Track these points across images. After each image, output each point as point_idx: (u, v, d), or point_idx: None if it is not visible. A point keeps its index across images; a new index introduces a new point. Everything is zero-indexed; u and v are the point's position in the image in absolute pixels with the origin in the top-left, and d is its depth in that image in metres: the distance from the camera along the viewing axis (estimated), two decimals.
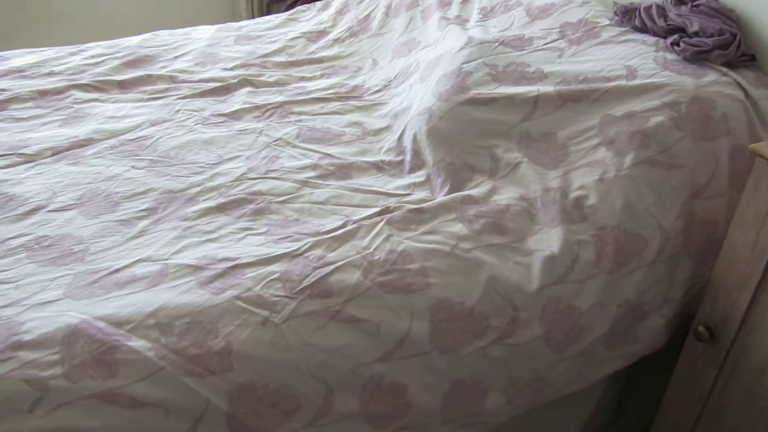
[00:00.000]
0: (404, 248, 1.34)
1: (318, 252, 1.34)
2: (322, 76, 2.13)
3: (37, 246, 1.38)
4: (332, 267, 1.29)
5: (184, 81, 2.10)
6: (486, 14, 2.06)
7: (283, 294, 1.24)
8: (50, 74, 2.11)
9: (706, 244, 1.46)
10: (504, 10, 2.04)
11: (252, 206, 1.50)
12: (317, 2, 2.63)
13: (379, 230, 1.39)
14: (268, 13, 3.60)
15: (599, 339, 1.43)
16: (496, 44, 1.80)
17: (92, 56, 2.23)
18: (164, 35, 2.40)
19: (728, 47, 1.57)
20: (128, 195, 1.54)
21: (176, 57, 2.25)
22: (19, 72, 2.12)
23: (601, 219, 1.41)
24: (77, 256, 1.36)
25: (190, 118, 1.88)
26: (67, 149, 1.73)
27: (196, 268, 1.30)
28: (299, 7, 2.61)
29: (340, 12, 2.47)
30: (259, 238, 1.40)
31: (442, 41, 1.98)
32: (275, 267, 1.29)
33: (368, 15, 2.39)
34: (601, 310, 1.40)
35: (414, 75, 1.95)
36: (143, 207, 1.50)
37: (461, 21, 2.06)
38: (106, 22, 3.46)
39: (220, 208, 1.50)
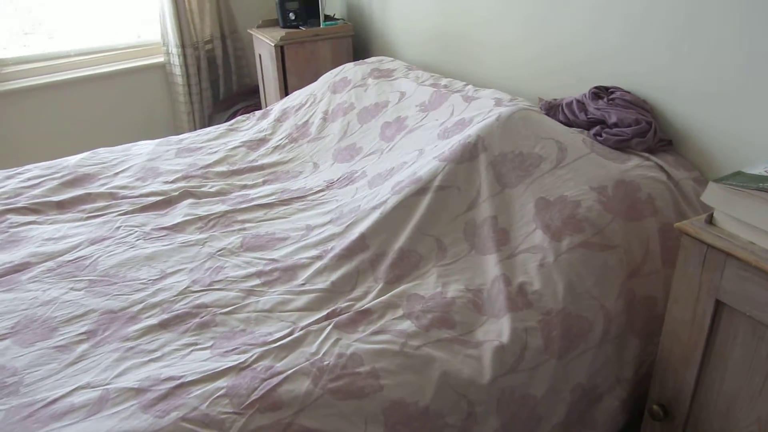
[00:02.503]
0: (353, 351, 1.32)
1: (266, 362, 1.31)
2: (264, 182, 2.16)
3: None
4: (281, 377, 1.26)
5: (124, 197, 2.09)
6: (425, 109, 2.14)
7: (231, 410, 1.20)
8: None
9: (649, 321, 1.49)
10: (440, 102, 2.13)
11: (196, 320, 1.47)
12: (257, 112, 2.69)
13: (327, 334, 1.37)
14: (209, 125, 3.67)
15: (558, 427, 1.41)
16: (440, 140, 1.88)
17: (29, 178, 2.21)
18: (103, 153, 2.41)
19: (646, 134, 1.67)
20: (66, 319, 1.49)
21: (116, 174, 2.26)
22: None
23: (545, 304, 1.43)
24: (10, 390, 1.29)
25: (130, 234, 1.86)
26: (1, 276, 1.68)
27: (139, 391, 1.25)
28: (239, 117, 2.67)
29: (279, 120, 2.54)
30: (205, 353, 1.36)
31: (389, 153, 2.05)
32: (222, 382, 1.26)
33: (307, 121, 2.46)
34: (555, 396, 1.39)
35: (360, 181, 1.99)
36: (82, 330, 1.45)
37: (401, 121, 2.14)
38: (49, 143, 3.46)
39: (163, 325, 1.46)
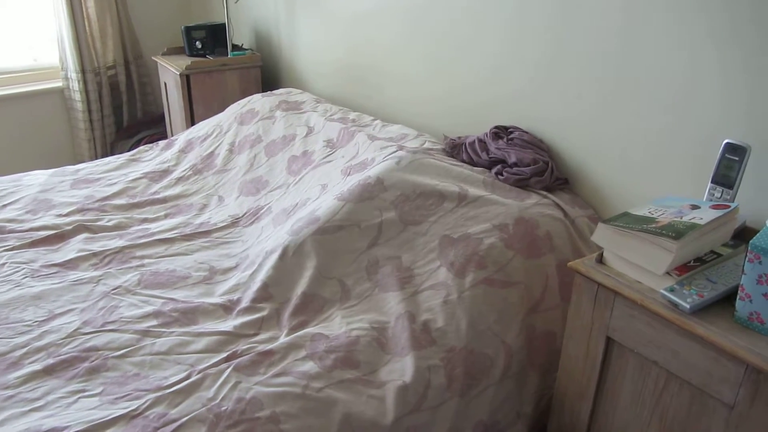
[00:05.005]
0: (253, 395, 1.28)
1: (159, 409, 1.24)
2: (166, 216, 2.08)
3: None
4: (175, 425, 1.20)
5: (12, 231, 1.96)
6: (332, 146, 2.14)
7: None
8: None
9: (547, 355, 1.53)
10: (348, 139, 2.13)
11: (85, 365, 1.39)
12: (160, 142, 2.61)
13: (226, 377, 1.33)
14: (112, 153, 3.53)
15: None
16: (341, 174, 1.87)
17: None
18: None
19: (543, 174, 1.73)
20: None
21: (4, 206, 2.12)
22: None
23: (449, 341, 1.44)
24: None
25: (17, 271, 1.74)
26: None
27: None
28: (142, 147, 2.58)
29: (184, 150, 2.47)
30: (93, 400, 1.28)
31: (294, 187, 2.02)
32: None
33: (212, 152, 2.40)
34: None
35: (265, 218, 1.96)
36: None
37: (307, 155, 2.13)
38: None
39: (48, 371, 1.37)
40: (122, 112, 3.61)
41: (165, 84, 3.12)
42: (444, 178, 1.78)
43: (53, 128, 3.55)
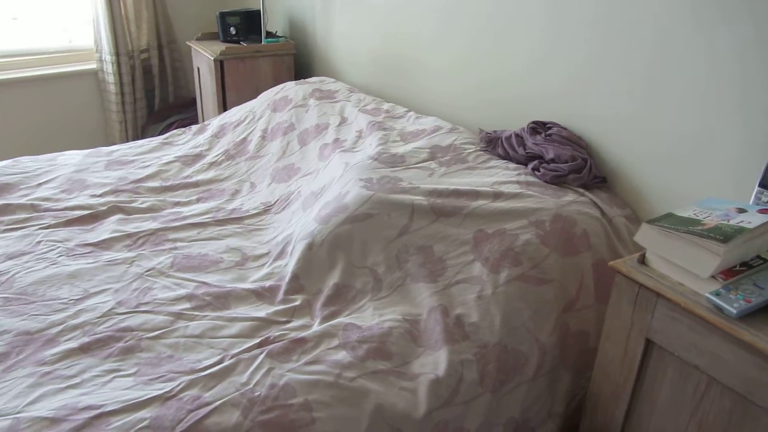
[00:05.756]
0: (286, 381, 1.28)
1: (193, 392, 1.25)
2: (198, 200, 2.09)
3: None
4: (208, 408, 1.20)
5: (47, 210, 1.98)
6: (364, 136, 2.13)
7: None
8: None
9: (581, 355, 1.52)
10: (378, 129, 2.12)
11: (120, 344, 1.40)
12: (193, 126, 2.62)
13: (259, 363, 1.33)
14: (143, 136, 3.55)
15: None
16: (371, 161, 1.86)
17: None
18: (26, 161, 2.28)
19: (582, 171, 1.71)
20: None
21: (39, 184, 2.14)
22: None
23: (482, 337, 1.43)
24: None
25: (52, 249, 1.76)
26: None
27: (54, 421, 1.17)
28: (175, 131, 2.59)
29: (217, 135, 2.48)
30: (128, 380, 1.29)
31: (324, 171, 2.02)
32: (145, 413, 1.19)
33: (245, 138, 2.41)
34: (488, 430, 1.39)
35: (295, 203, 1.96)
36: None
37: (339, 143, 2.12)
38: None
39: (84, 349, 1.38)
40: (154, 96, 3.63)
41: (198, 69, 3.13)
42: (477, 182, 1.76)
43: (86, 110, 3.58)
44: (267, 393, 1.25)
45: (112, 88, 3.45)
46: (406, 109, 2.30)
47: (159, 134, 3.43)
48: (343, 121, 2.28)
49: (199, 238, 1.85)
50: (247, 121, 2.49)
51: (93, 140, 3.58)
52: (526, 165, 1.83)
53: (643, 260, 1.25)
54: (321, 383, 1.29)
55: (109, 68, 3.42)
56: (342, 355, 1.36)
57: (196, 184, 2.19)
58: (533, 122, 1.89)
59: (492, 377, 1.39)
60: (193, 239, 1.84)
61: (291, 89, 2.56)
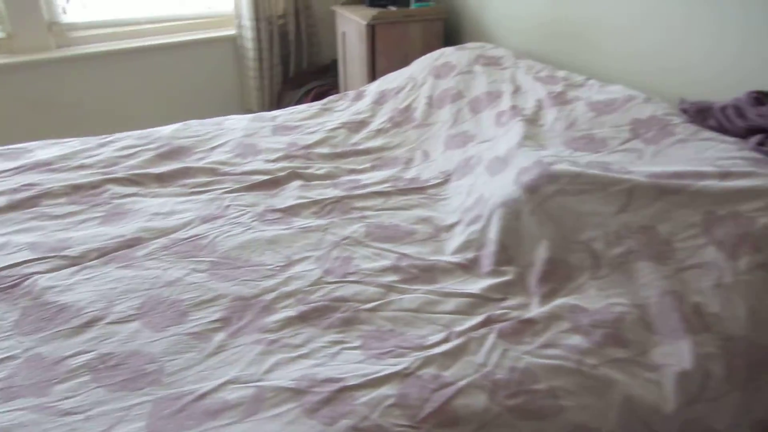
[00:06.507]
0: (526, 365, 1.20)
1: (430, 370, 1.19)
2: (373, 168, 2.04)
3: (102, 366, 1.21)
4: (453, 389, 1.14)
5: (226, 174, 1.98)
6: (542, 107, 2.01)
7: (406, 423, 1.08)
8: (81, 167, 1.97)
9: None
10: (560, 102, 2.00)
11: (338, 315, 1.36)
12: (349, 92, 2.57)
13: (492, 344, 1.25)
14: (279, 103, 3.55)
15: None
16: (569, 151, 1.75)
17: (123, 147, 2.10)
18: (195, 125, 2.29)
19: None
20: (195, 303, 1.38)
21: (212, 148, 2.14)
22: (46, 165, 1.97)
23: (726, 329, 1.30)
24: (152, 378, 1.18)
25: (243, 213, 1.74)
26: (115, 250, 1.57)
27: (297, 392, 1.14)
28: (331, 98, 2.54)
29: (378, 102, 2.41)
30: (356, 353, 1.25)
31: (504, 137, 1.92)
32: (387, 389, 1.14)
33: (409, 105, 2.33)
34: None
35: (477, 168, 1.87)
36: (215, 317, 1.34)
37: (518, 111, 2.01)
38: (111, 111, 3.34)
39: (303, 318, 1.35)
40: (289, 62, 3.61)
41: (343, 34, 3.06)
42: (695, 160, 1.61)
43: (223, 76, 3.60)
44: (509, 376, 1.18)
45: (251, 54, 3.44)
46: (584, 76, 2.15)
47: (297, 101, 3.42)
48: (516, 89, 2.16)
49: (385, 207, 1.79)
50: (408, 88, 2.40)
51: (229, 107, 3.60)
52: (745, 138, 1.67)
53: None
54: (563, 369, 1.20)
55: (248, 34, 3.41)
56: (578, 340, 1.27)
57: (367, 152, 2.13)
58: (755, 92, 1.71)
59: (740, 374, 1.27)
60: (380, 208, 1.79)
61: (452, 55, 2.46)
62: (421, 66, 2.49)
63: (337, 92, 3.30)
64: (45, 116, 3.18)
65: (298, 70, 3.65)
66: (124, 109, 3.38)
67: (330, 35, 3.58)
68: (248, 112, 3.59)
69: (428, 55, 2.55)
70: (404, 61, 2.77)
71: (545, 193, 1.56)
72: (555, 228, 1.52)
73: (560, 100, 2.01)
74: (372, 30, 2.79)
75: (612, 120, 1.84)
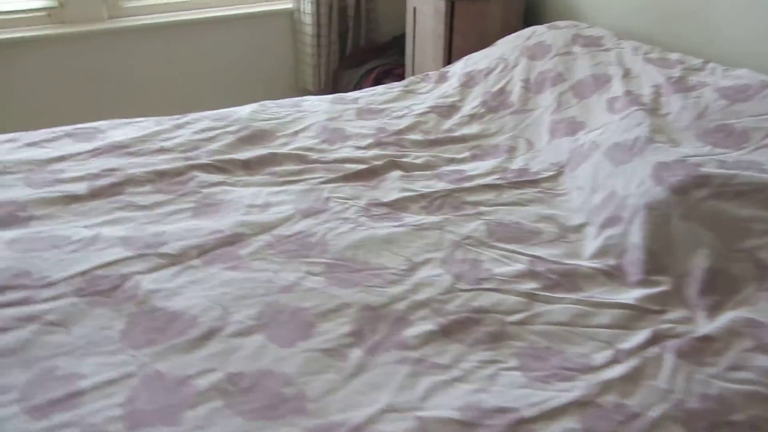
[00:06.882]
0: (719, 392, 1.05)
1: (611, 398, 1.04)
2: (473, 157, 1.87)
3: (233, 388, 1.06)
4: (645, 422, 0.99)
5: (316, 161, 1.82)
6: (662, 94, 1.83)
7: None
8: (161, 151, 1.82)
9: None
10: (682, 89, 1.82)
11: (482, 329, 1.20)
12: (430, 74, 2.39)
13: (673, 366, 1.10)
14: (335, 83, 3.37)
15: None
16: (707, 147, 1.58)
17: (202, 130, 1.94)
18: (272, 107, 2.13)
19: None
20: (320, 312, 1.23)
21: (296, 132, 1.98)
22: (124, 148, 1.82)
23: None
24: (294, 405, 1.03)
25: (347, 207, 1.59)
26: (216, 248, 1.42)
27: (466, 425, 0.99)
28: (412, 79, 2.37)
29: (466, 85, 2.23)
30: (516, 376, 1.10)
31: (620, 123, 1.74)
32: (569, 422, 0.99)
33: (502, 89, 2.15)
34: None
35: (593, 155, 1.70)
36: (345, 330, 1.19)
37: (635, 98, 1.83)
38: (161, 84, 3.18)
39: (445, 332, 1.19)
40: (347, 39, 3.42)
41: (414, 10, 2.87)
42: None
43: (277, 52, 3.42)
44: (702, 405, 1.03)
45: (309, 29, 3.26)
46: (701, 60, 1.97)
47: (358, 82, 3.25)
48: (626, 73, 1.97)
49: (500, 203, 1.63)
50: (499, 70, 2.23)
51: (281, 85, 3.43)
52: None
53: None
54: (759, 396, 1.05)
55: (307, 8, 3.23)
56: (766, 361, 1.12)
57: (462, 139, 1.97)
58: None
59: None
60: (494, 203, 1.63)
61: (545, 34, 2.28)
62: (511, 46, 2.30)
63: (402, 72, 3.13)
64: (94, 90, 3.03)
65: (354, 47, 3.46)
66: (174, 83, 3.22)
67: (389, 11, 3.40)
68: (303, 91, 3.45)
69: (516, 35, 2.37)
70: (481, 41, 2.59)
71: (697, 197, 1.40)
72: (712, 235, 1.36)
73: (682, 86, 1.83)
74: (451, 6, 2.60)
75: (749, 109, 1.66)
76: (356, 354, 1.14)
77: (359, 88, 3.35)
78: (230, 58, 3.33)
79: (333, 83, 3.39)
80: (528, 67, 2.17)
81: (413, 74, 2.96)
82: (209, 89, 3.28)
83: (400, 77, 3.23)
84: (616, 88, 1.92)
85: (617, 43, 2.14)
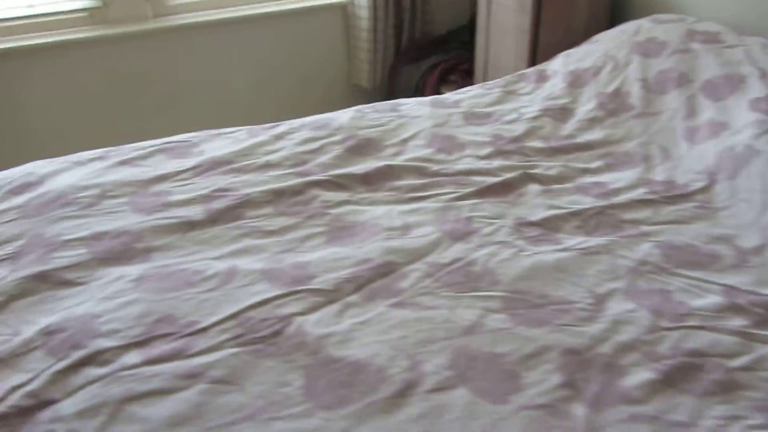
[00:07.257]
0: None
1: None
2: (608, 168, 1.72)
3: None
4: None
5: (437, 174, 1.66)
6: None
7: None
8: (268, 166, 1.66)
9: None
10: None
11: (708, 376, 1.06)
12: (527, 72, 2.23)
13: None
14: (391, 80, 3.20)
15: None
16: None
17: (304, 141, 1.78)
18: (370, 112, 1.96)
19: None
20: (518, 358, 1.09)
21: (404, 141, 1.82)
22: (227, 164, 1.65)
23: None
24: None
25: (495, 229, 1.43)
26: (371, 281, 1.27)
27: None
28: (509, 78, 2.20)
29: (573, 85, 2.07)
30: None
31: None
32: None
33: (618, 89, 1.99)
34: None
35: (755, 165, 1.55)
36: (556, 381, 1.04)
37: None
38: (208, 85, 3.00)
39: (668, 382, 1.05)
40: (402, 33, 3.24)
41: (489, 2, 2.70)
42: None
43: (329, 49, 3.23)
44: None
45: (365, 24, 3.08)
46: None
47: (421, 79, 3.09)
48: (763, 73, 1.82)
49: (660, 221, 1.48)
50: (609, 68, 2.06)
51: (334, 83, 3.26)
52: None
53: None
54: None
55: (362, 1, 3.05)
56: None
57: (588, 146, 1.81)
58: None
59: None
60: (654, 222, 1.48)
61: (654, 29, 2.12)
62: (617, 42, 2.14)
63: (468, 68, 2.97)
64: (140, 92, 2.84)
65: (409, 42, 3.29)
66: (222, 84, 3.04)
67: (444, 2, 3.23)
68: (356, 88, 3.28)
69: (619, 29, 2.21)
70: (568, 36, 2.44)
71: None
72: None
73: None
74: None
75: None
76: (580, 411, 0.99)
77: (423, 86, 3.21)
78: (280, 55, 3.14)
79: (389, 79, 3.22)
80: (643, 65, 2.01)
81: (485, 71, 2.81)
82: (258, 88, 3.10)
83: (467, 73, 3.07)
84: (756, 89, 1.77)
85: (741, 40, 1.99)
